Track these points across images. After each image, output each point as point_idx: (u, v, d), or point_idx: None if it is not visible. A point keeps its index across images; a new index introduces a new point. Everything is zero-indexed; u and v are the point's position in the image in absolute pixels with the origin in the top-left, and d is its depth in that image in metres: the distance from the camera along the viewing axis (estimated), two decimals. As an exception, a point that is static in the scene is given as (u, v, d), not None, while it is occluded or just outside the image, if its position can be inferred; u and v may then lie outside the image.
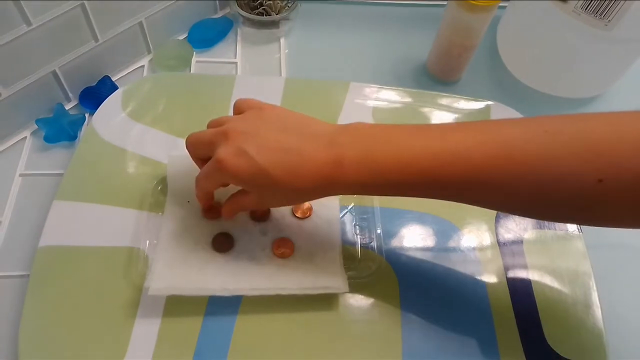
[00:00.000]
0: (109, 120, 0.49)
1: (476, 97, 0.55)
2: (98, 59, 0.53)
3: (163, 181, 0.46)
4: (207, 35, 0.60)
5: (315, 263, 0.42)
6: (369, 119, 0.53)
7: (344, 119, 0.52)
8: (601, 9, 0.48)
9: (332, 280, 0.40)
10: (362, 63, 0.61)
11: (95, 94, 0.53)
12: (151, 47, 0.57)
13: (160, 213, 0.44)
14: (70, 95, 0.53)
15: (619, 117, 0.32)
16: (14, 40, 0.44)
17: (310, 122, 0.37)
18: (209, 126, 0.40)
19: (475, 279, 0.44)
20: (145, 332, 0.39)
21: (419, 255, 0.45)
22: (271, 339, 0.40)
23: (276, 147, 0.35)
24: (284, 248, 0.42)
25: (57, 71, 0.50)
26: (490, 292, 0.43)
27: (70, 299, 0.40)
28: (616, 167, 0.30)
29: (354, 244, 0.44)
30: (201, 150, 0.40)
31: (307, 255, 0.42)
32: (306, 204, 0.45)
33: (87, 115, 0.52)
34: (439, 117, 0.54)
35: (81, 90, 0.53)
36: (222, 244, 0.42)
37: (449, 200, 0.36)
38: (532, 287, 0.44)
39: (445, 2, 0.54)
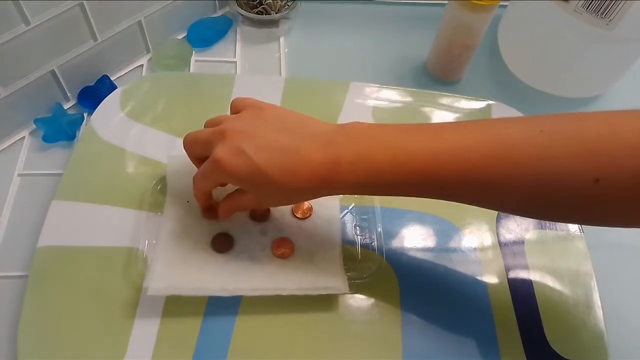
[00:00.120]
0: (108, 119, 0.49)
1: (477, 97, 0.55)
2: (97, 59, 0.53)
3: (162, 181, 0.45)
4: (206, 34, 0.60)
5: (315, 263, 0.41)
6: (369, 119, 0.52)
7: (344, 118, 0.52)
8: (602, 9, 0.48)
9: (332, 281, 0.40)
10: (362, 63, 0.61)
11: (94, 94, 0.53)
12: (150, 47, 0.57)
13: (159, 213, 0.44)
14: (69, 94, 0.53)
15: (616, 116, 0.32)
16: (12, 40, 0.44)
17: (310, 122, 0.37)
18: (206, 125, 0.40)
19: (476, 279, 0.44)
20: (145, 333, 0.39)
21: (419, 255, 0.45)
22: (271, 340, 0.40)
23: (274, 146, 0.35)
24: (283, 248, 0.42)
25: (56, 71, 0.50)
26: (491, 292, 0.43)
27: (69, 299, 0.40)
28: (613, 167, 0.30)
29: (354, 244, 0.44)
30: (198, 149, 0.39)
31: (307, 255, 0.42)
32: (306, 204, 0.45)
33: (85, 114, 0.52)
34: (440, 116, 0.53)
35: (80, 89, 0.53)
36: (222, 244, 0.42)
37: (447, 200, 0.36)
38: (533, 288, 0.44)
39: (445, 2, 0.54)
